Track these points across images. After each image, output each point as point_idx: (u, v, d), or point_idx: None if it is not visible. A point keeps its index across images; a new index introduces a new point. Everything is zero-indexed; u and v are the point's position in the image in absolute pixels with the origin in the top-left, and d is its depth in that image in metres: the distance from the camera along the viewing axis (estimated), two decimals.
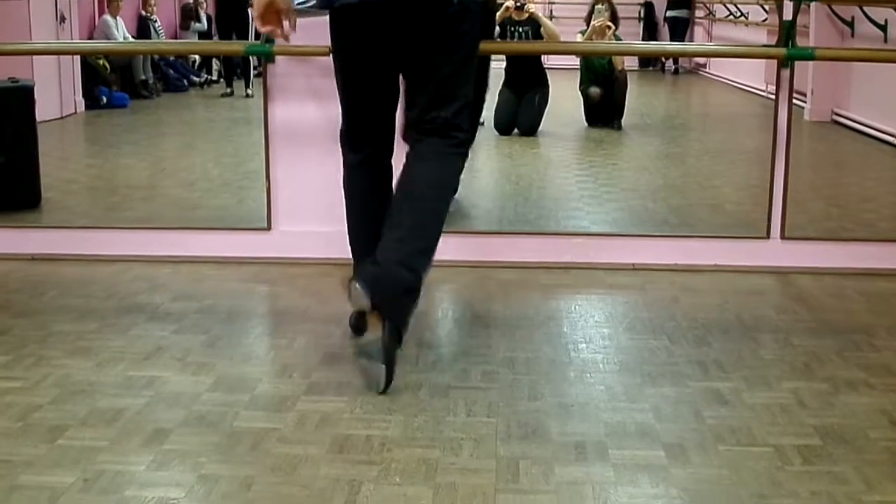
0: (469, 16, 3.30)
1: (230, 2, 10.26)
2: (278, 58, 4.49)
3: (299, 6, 4.09)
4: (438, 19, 3.25)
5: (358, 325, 3.47)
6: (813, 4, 6.22)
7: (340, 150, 3.54)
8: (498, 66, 8.24)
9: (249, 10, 4.28)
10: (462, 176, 3.88)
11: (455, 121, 3.34)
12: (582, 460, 2.64)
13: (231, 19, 10.34)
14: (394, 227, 3.23)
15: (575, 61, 9.50)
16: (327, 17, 4.15)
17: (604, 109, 8.91)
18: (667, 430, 2.82)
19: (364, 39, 3.31)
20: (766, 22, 11.42)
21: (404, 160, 3.37)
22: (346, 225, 3.54)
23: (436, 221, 3.29)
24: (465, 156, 3.45)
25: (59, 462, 2.61)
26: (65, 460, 2.61)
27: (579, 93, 9.07)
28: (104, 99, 10.19)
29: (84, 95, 9.83)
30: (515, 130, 8.39)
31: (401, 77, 3.40)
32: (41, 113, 6.00)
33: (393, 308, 3.12)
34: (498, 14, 8.09)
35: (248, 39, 4.37)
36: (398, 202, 3.31)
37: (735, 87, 12.23)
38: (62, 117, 9.24)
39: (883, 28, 7.99)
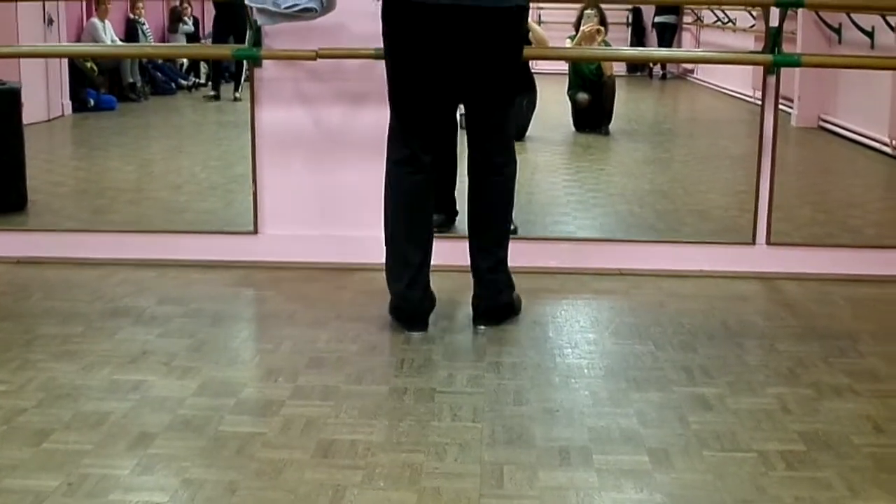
0: (524, 15, 3.59)
1: (227, 6, 10.24)
2: (266, 61, 4.49)
3: (287, 10, 4.09)
4: (501, 22, 3.48)
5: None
6: (800, 11, 6.25)
7: (387, 144, 3.69)
8: None
9: (249, 20, 4.30)
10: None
11: (508, 125, 3.75)
12: (566, 465, 2.64)
13: (228, 23, 10.33)
14: (481, 246, 3.77)
15: (563, 66, 9.50)
16: (315, 21, 4.18)
17: (592, 115, 8.91)
18: (651, 435, 2.83)
19: (426, 38, 3.48)
20: (754, 28, 11.42)
21: (468, 166, 3.75)
22: (382, 225, 3.73)
23: (509, 219, 3.85)
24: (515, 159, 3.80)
25: (43, 466, 2.60)
26: (49, 464, 2.61)
27: (567, 98, 9.07)
28: (91, 101, 10.15)
29: (71, 98, 9.78)
30: None
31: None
32: (28, 115, 5.98)
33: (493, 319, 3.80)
34: None
35: (244, 44, 4.37)
36: (479, 213, 3.76)
37: (722, 92, 12.25)
38: (49, 120, 9.21)
39: (870, 34, 8.02)
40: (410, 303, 3.70)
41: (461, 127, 4.76)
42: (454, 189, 4.87)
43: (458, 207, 4.89)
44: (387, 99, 3.70)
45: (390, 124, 3.71)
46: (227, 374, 3.28)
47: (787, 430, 2.88)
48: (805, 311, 4.07)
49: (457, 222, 4.86)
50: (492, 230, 3.78)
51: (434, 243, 3.75)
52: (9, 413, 2.92)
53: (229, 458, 2.66)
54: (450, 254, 4.15)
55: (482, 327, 3.76)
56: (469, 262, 3.82)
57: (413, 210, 3.70)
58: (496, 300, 3.79)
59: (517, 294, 3.89)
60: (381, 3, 3.57)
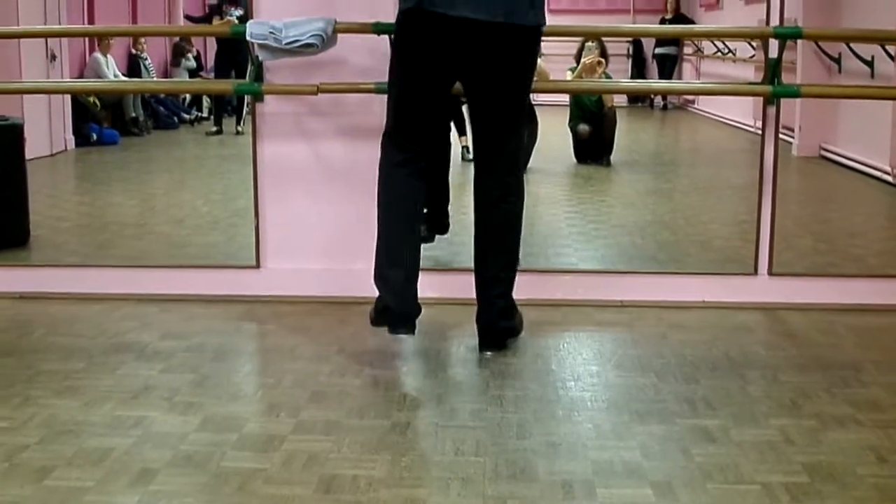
0: (538, 37, 3.65)
1: (229, 41, 10.29)
2: (267, 96, 4.51)
3: (288, 45, 4.12)
4: (517, 40, 3.57)
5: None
6: (800, 41, 6.27)
7: (381, 150, 3.75)
8: None
9: (251, 55, 4.33)
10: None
11: (516, 151, 3.82)
12: (569, 499, 2.63)
13: (230, 58, 10.37)
14: (489, 273, 3.81)
15: (564, 98, 9.51)
16: (315, 57, 4.20)
17: (593, 146, 8.91)
18: (654, 468, 2.82)
19: (440, 50, 3.57)
20: (754, 58, 11.44)
21: (474, 193, 3.81)
22: (375, 233, 3.76)
23: (517, 246, 3.88)
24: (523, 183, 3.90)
25: (45, 503, 2.60)
26: (51, 501, 2.60)
27: (568, 129, 9.08)
28: (94, 136, 10.17)
29: (74, 132, 9.79)
30: None
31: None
32: (31, 150, 6.00)
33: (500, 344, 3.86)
34: None
35: (246, 78, 4.42)
36: (487, 240, 3.81)
37: (723, 122, 12.26)
38: (52, 154, 9.23)
39: (870, 64, 8.04)
40: (405, 302, 3.69)
41: (463, 159, 4.79)
42: (447, 203, 4.90)
43: (448, 221, 4.94)
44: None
45: (386, 129, 3.76)
46: (230, 409, 3.28)
47: (790, 461, 2.87)
48: (808, 342, 4.06)
49: (454, 254, 4.87)
50: (501, 256, 3.83)
51: (433, 277, 3.77)
52: (10, 450, 2.92)
53: (231, 494, 2.66)
54: (450, 287, 4.16)
55: (488, 354, 3.80)
56: (474, 290, 3.85)
57: (409, 213, 3.76)
58: (499, 324, 3.84)
59: (519, 314, 3.95)
60: (397, 10, 3.67)
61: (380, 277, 3.73)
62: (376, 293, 3.82)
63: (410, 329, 3.71)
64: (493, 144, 3.77)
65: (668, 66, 14.49)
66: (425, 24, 3.53)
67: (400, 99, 3.70)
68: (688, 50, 14.81)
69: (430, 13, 3.48)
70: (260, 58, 4.28)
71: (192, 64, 12.43)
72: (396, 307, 3.69)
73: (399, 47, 3.70)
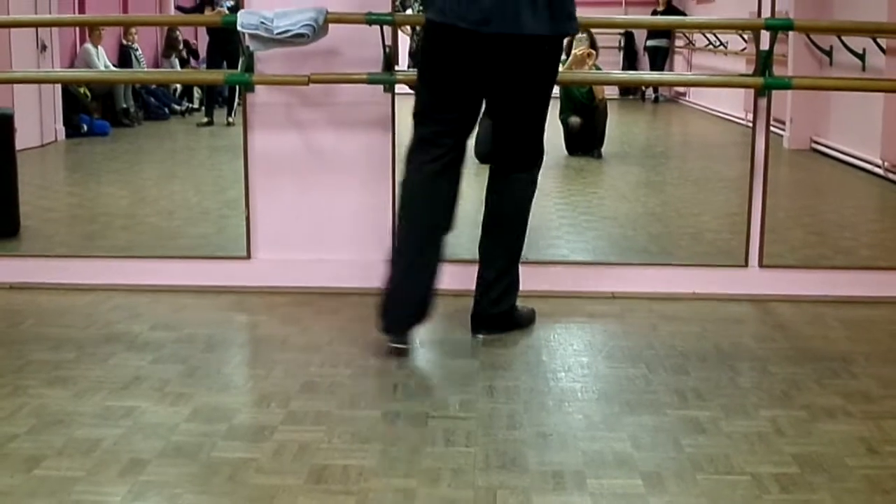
0: (558, 51, 3.74)
1: (220, 32, 10.28)
2: (258, 87, 4.50)
3: (279, 35, 4.11)
4: (536, 53, 3.62)
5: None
6: (791, 34, 6.27)
7: (411, 151, 3.73)
8: None
9: (241, 44, 4.33)
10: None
11: (533, 149, 3.87)
12: (560, 490, 2.63)
13: (221, 49, 10.36)
14: (491, 259, 3.87)
15: (555, 90, 9.50)
16: (306, 47, 4.20)
17: (584, 138, 8.91)
18: (645, 458, 2.82)
19: (469, 63, 3.59)
20: (745, 51, 11.46)
21: (488, 186, 3.86)
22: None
23: (521, 239, 3.91)
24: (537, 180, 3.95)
25: (35, 492, 2.59)
26: (41, 491, 2.60)
27: (559, 122, 9.08)
28: (85, 127, 10.15)
29: (64, 123, 9.78)
30: None
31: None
32: (21, 141, 5.99)
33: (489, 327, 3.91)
34: None
35: (237, 69, 4.41)
36: (495, 232, 3.88)
37: (715, 115, 12.27)
38: (42, 145, 9.21)
39: (861, 57, 8.05)
40: (403, 294, 3.70)
41: None
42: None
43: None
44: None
45: (416, 133, 3.72)
46: (220, 399, 3.27)
47: (780, 452, 2.87)
48: (798, 333, 4.07)
49: (455, 244, 4.86)
50: (502, 240, 3.88)
51: None
52: (0, 439, 2.91)
53: (221, 484, 2.66)
54: (445, 278, 4.15)
55: (479, 337, 3.86)
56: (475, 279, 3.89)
57: (434, 215, 3.73)
58: (491, 308, 3.87)
59: (529, 308, 4.02)
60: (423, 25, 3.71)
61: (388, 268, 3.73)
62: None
63: (402, 336, 3.69)
64: (511, 143, 3.83)
65: (660, 59, 14.50)
66: (456, 39, 3.56)
67: (427, 102, 3.71)
68: (679, 42, 14.81)
69: (462, 29, 3.52)
70: (251, 48, 4.27)
71: (183, 56, 12.39)
72: (391, 301, 3.68)
73: (428, 56, 3.72)
